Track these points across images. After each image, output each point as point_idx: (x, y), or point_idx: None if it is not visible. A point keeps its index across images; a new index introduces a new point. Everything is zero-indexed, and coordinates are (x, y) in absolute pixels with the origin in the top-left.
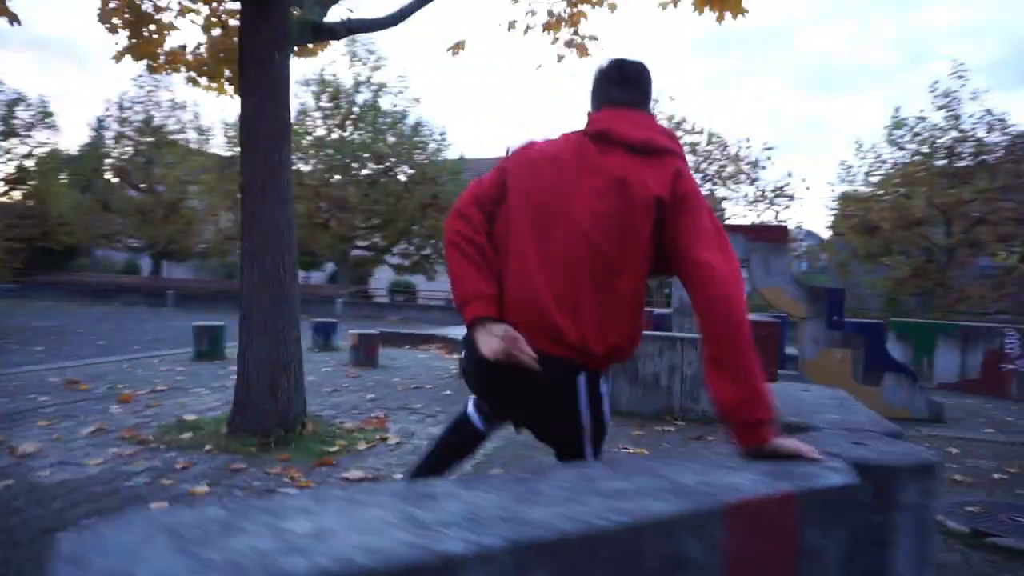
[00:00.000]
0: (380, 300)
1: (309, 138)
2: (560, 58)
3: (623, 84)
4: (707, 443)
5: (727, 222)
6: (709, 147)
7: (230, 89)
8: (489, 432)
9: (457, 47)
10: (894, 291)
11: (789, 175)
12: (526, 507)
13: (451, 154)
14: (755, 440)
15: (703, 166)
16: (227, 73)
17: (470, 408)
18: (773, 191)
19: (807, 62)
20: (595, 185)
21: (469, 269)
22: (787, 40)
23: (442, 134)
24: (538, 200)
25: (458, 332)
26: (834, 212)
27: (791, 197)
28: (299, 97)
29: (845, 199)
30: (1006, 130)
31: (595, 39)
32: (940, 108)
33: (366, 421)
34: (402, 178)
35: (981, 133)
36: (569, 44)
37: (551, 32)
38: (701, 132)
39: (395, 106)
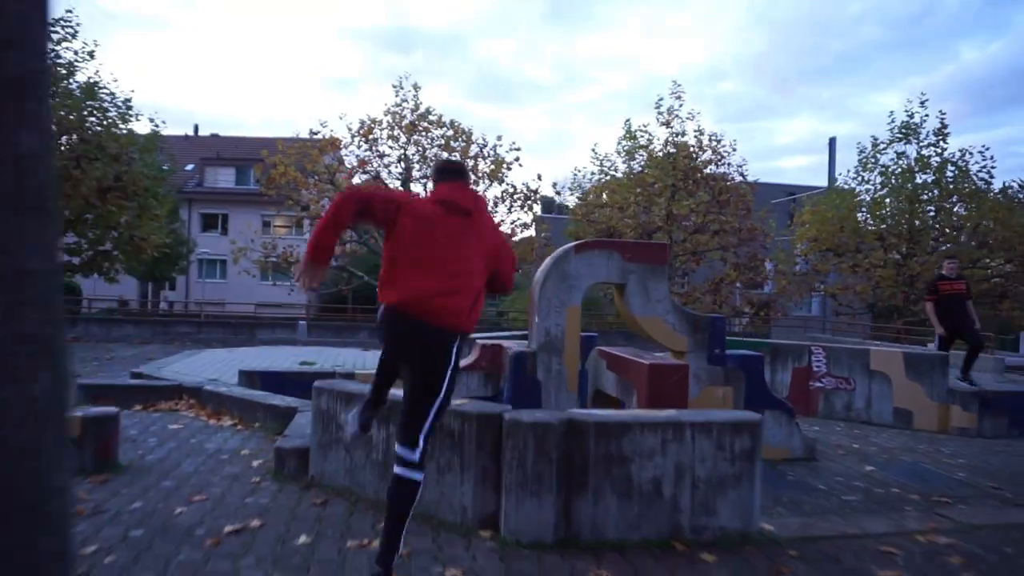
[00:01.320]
0: None
1: None
2: None
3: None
4: None
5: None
6: (456, 143)
7: None
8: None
9: None
10: None
11: (539, 177)
12: None
13: (141, 127)
14: None
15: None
16: None
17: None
18: (528, 193)
19: (481, 71)
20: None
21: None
22: (463, 48)
23: (126, 101)
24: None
25: (211, 372)
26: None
27: (537, 200)
28: None
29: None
30: (718, 150)
31: None
32: (663, 124)
33: None
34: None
35: (697, 151)
36: None
37: None
38: (446, 126)
39: (57, 57)
